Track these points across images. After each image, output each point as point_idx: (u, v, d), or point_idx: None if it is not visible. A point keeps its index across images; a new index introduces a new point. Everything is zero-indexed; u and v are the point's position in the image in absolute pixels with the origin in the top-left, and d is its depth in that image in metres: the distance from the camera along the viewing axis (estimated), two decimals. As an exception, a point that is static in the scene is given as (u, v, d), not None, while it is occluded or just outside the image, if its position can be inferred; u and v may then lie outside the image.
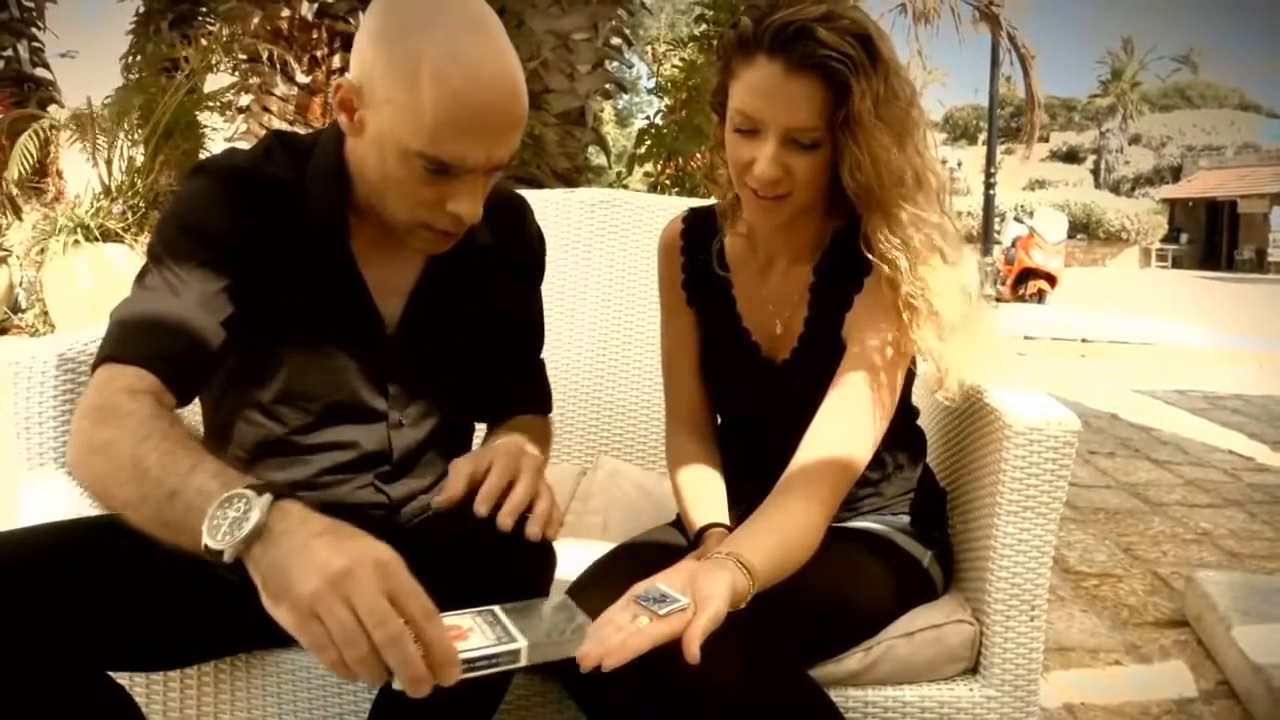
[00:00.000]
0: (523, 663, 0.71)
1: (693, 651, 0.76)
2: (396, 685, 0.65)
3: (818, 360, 1.05)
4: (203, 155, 6.34)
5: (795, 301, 1.10)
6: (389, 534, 0.76)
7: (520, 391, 1.15)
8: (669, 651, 0.81)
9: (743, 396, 1.16)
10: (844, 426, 0.99)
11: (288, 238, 0.94)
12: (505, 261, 1.08)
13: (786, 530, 0.92)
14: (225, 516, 0.69)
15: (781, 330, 1.11)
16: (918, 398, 1.21)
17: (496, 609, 0.76)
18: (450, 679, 0.66)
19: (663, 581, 0.84)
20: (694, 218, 1.18)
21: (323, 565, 0.65)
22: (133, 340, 0.87)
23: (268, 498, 0.69)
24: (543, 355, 1.19)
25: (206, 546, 0.68)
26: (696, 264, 1.16)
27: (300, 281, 0.96)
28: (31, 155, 5.74)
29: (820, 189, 1.00)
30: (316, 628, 0.64)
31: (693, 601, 0.79)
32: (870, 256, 0.99)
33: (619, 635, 0.78)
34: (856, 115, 0.92)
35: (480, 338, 1.07)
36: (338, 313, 0.98)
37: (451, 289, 1.03)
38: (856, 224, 1.03)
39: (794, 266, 1.10)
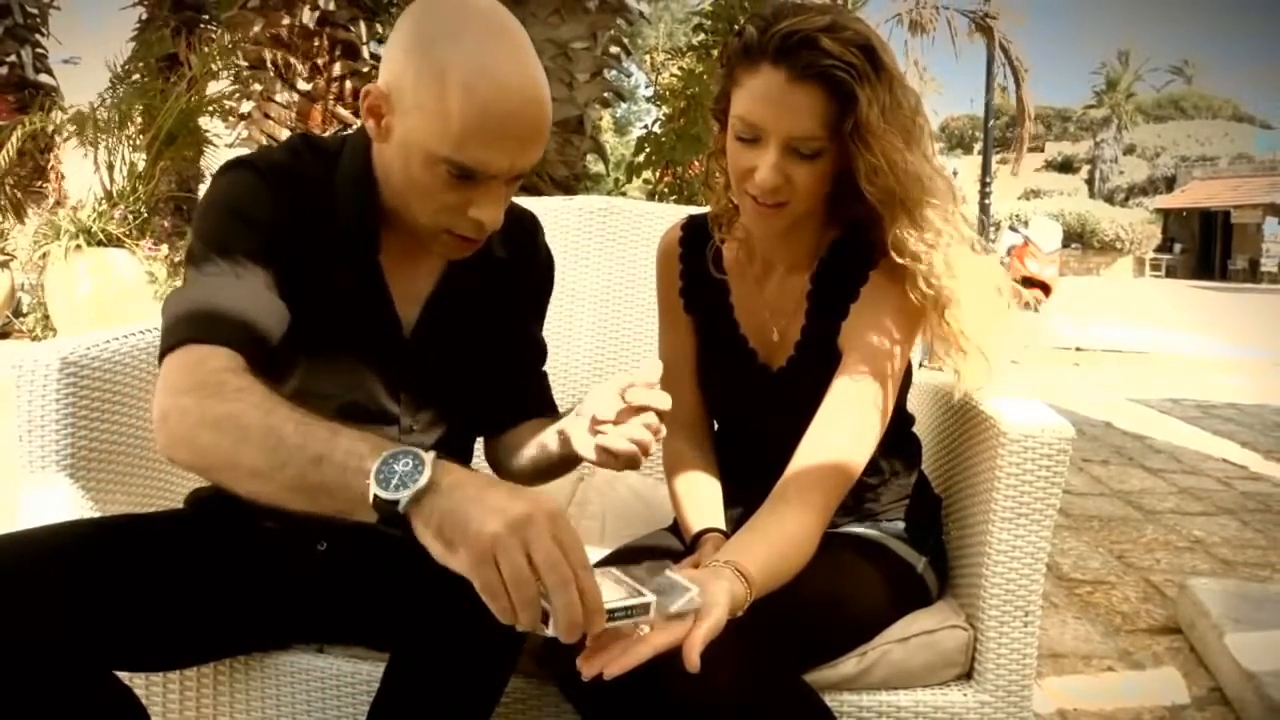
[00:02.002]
0: (651, 615, 0.75)
1: (693, 660, 0.77)
2: (549, 632, 0.68)
3: (814, 368, 1.06)
4: (204, 162, 6.34)
5: (792, 310, 1.11)
6: (397, 541, 0.77)
7: (525, 402, 1.15)
8: (666, 657, 0.82)
9: (739, 403, 1.16)
10: (840, 434, 1.00)
11: (320, 237, 0.96)
12: (517, 275, 1.09)
13: (782, 537, 0.93)
14: (394, 471, 0.70)
15: (778, 338, 1.12)
16: (913, 405, 1.22)
17: (613, 569, 0.80)
18: (598, 627, 0.69)
19: None
20: (692, 225, 1.19)
21: (503, 509, 0.67)
22: (212, 323, 0.86)
23: (434, 454, 0.71)
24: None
25: (377, 497, 0.69)
26: (695, 271, 1.17)
27: (327, 281, 0.97)
28: (12, 150, 5.72)
29: (819, 198, 1.01)
30: (491, 572, 0.66)
31: (699, 593, 0.80)
32: (901, 260, 0.99)
33: (619, 644, 0.78)
34: (866, 122, 0.93)
35: (490, 348, 1.08)
36: (359, 315, 0.99)
37: (467, 298, 1.04)
38: (854, 234, 1.04)
39: (791, 275, 1.11)
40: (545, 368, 1.20)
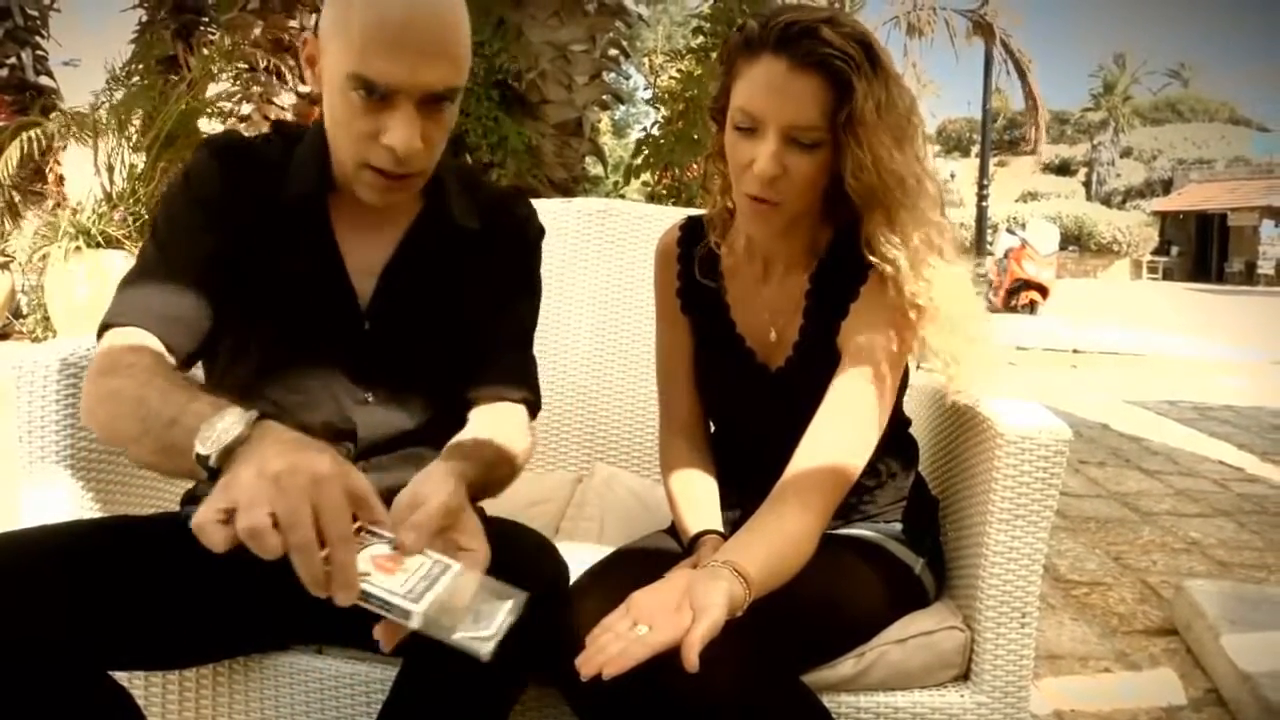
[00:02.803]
0: (412, 626, 0.70)
1: (692, 660, 0.78)
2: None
3: (813, 368, 1.06)
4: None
5: (791, 310, 1.11)
6: None
7: (496, 372, 1.07)
8: (663, 657, 0.83)
9: (737, 403, 1.17)
10: (838, 435, 1.00)
11: (272, 213, 0.98)
12: (489, 247, 1.07)
13: (781, 538, 0.94)
14: (214, 428, 0.73)
15: (776, 338, 1.12)
16: (911, 406, 1.22)
17: (457, 570, 0.75)
18: (344, 602, 0.69)
19: (659, 590, 0.85)
20: (691, 225, 1.20)
21: (265, 461, 0.68)
22: (130, 304, 0.93)
23: (253, 414, 0.74)
24: (539, 361, 1.18)
25: (197, 454, 0.73)
26: (693, 271, 1.18)
27: (280, 256, 0.99)
28: (13, 160, 5.74)
29: (815, 196, 1.02)
30: (217, 503, 0.67)
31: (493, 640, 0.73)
32: (872, 259, 1.00)
33: (618, 643, 0.79)
34: (860, 115, 0.94)
35: (455, 321, 1.06)
36: (314, 288, 1.00)
37: (427, 268, 1.04)
38: (852, 232, 1.05)
39: (790, 274, 1.11)
40: (542, 367, 1.18)
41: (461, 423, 1.05)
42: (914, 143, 0.98)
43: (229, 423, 0.73)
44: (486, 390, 1.06)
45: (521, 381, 1.09)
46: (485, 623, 0.73)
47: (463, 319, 1.06)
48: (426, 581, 0.73)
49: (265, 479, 0.67)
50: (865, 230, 1.00)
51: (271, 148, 1.02)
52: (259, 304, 0.98)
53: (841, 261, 1.07)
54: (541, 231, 1.14)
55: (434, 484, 0.83)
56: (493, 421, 1.03)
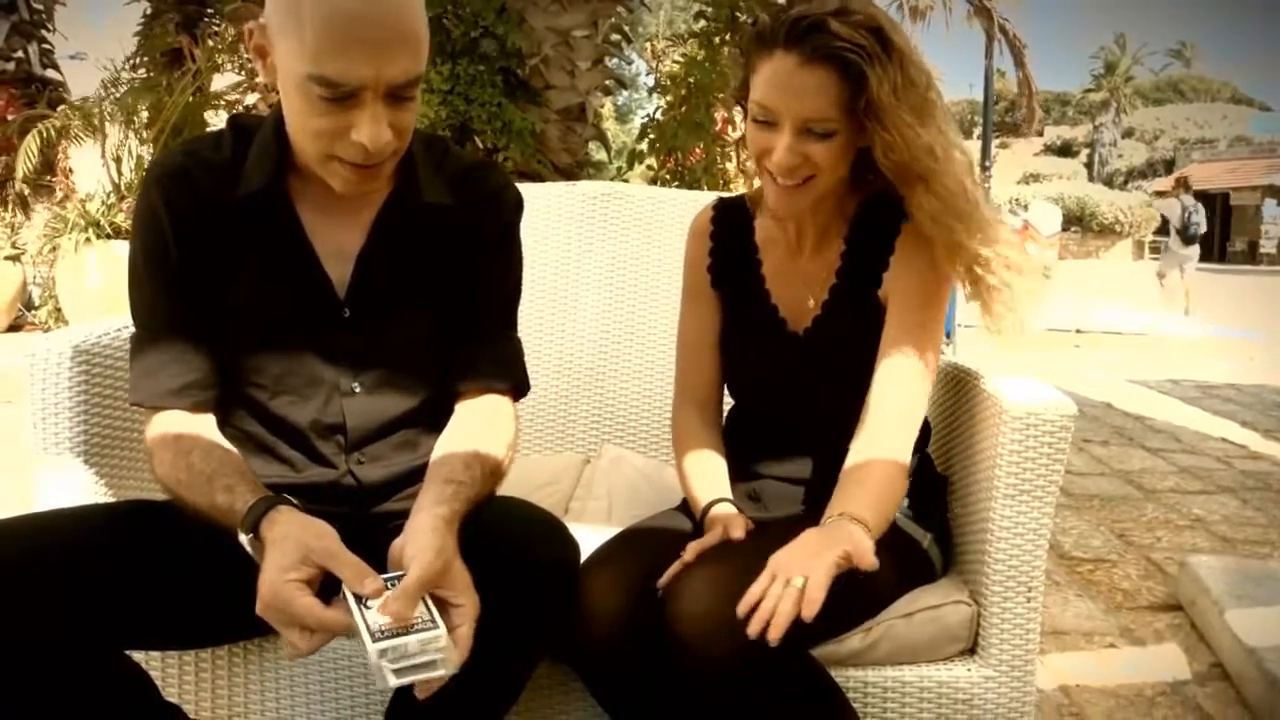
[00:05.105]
0: (369, 660, 0.79)
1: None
2: None
3: (838, 331, 1.10)
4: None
5: (826, 277, 1.13)
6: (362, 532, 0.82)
7: (480, 363, 1.06)
8: (669, 634, 0.86)
9: (762, 371, 1.17)
10: (901, 387, 1.05)
11: (231, 215, 0.96)
12: (464, 223, 1.04)
13: (877, 482, 1.00)
14: (241, 538, 0.87)
15: (813, 303, 1.14)
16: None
17: (438, 634, 0.80)
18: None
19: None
20: (723, 206, 1.22)
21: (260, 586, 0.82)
22: (147, 386, 0.98)
23: (250, 536, 0.86)
24: (545, 345, 1.18)
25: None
26: (725, 249, 1.20)
27: (246, 254, 0.97)
28: (33, 155, 5.75)
29: (839, 173, 1.05)
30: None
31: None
32: (924, 230, 1.03)
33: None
34: (877, 100, 0.97)
35: (435, 301, 1.03)
36: (287, 279, 0.98)
37: (402, 250, 1.01)
38: (881, 193, 1.08)
39: (824, 243, 1.14)
40: (549, 350, 1.19)
41: (451, 405, 1.04)
42: (936, 116, 1.01)
43: (245, 540, 0.86)
44: (472, 384, 1.04)
45: (506, 370, 1.07)
46: (408, 660, 0.79)
47: (444, 297, 1.04)
48: (404, 629, 0.80)
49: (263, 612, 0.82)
50: (910, 205, 1.03)
51: (220, 149, 0.98)
52: (235, 307, 0.97)
53: (872, 224, 1.10)
54: (518, 200, 1.09)
55: (419, 545, 0.84)
56: (480, 422, 1.02)
